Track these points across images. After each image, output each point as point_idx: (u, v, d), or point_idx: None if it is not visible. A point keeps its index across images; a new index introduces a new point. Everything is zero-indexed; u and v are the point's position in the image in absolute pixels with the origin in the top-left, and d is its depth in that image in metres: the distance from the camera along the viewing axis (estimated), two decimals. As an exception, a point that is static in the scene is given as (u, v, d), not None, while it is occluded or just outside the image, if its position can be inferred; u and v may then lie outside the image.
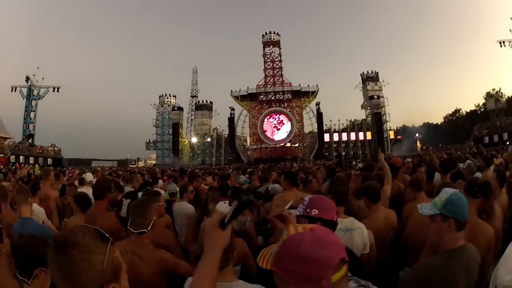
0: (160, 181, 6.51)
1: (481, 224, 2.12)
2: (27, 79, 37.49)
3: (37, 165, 17.92)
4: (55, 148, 39.10)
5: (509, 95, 50.00)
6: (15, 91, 37.25)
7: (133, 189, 4.53)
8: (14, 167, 17.35)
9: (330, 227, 1.40)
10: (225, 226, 0.96)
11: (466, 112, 56.86)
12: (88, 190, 4.49)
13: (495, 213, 2.54)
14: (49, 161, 35.16)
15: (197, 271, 0.96)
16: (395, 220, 2.80)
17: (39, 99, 38.22)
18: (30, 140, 35.85)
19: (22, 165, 24.93)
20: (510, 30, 33.19)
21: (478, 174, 4.44)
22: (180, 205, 3.68)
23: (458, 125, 54.97)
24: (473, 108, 55.20)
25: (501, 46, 34.12)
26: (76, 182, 5.55)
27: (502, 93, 50.18)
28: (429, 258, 1.59)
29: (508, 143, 25.72)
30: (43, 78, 37.97)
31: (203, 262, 0.96)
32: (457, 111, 59.01)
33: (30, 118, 37.92)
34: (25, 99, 37.67)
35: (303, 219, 1.54)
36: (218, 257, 0.96)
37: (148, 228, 1.92)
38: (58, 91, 38.48)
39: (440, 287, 1.40)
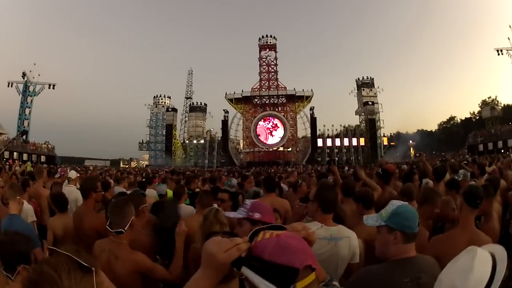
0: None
1: (480, 235, 2.07)
2: (24, 75, 37.33)
3: (28, 163, 17.84)
4: (49, 146, 38.91)
5: (505, 103, 50.19)
6: (11, 86, 37.15)
7: (124, 189, 4.53)
8: (7, 163, 17.25)
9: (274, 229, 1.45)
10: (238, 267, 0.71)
11: (461, 120, 56.96)
12: (72, 188, 4.61)
13: (492, 216, 2.53)
14: (43, 158, 34.86)
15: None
16: None
17: (34, 95, 38.08)
18: (24, 137, 35.63)
19: (16, 161, 24.86)
20: (509, 39, 33.25)
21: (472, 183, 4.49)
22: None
23: (453, 133, 55.05)
24: (468, 116, 55.33)
25: (498, 54, 34.02)
26: (67, 181, 5.49)
27: (498, 101, 50.28)
28: (374, 265, 1.57)
29: (508, 151, 25.62)
30: (39, 75, 37.89)
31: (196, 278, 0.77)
32: (451, 118, 59.15)
33: (25, 115, 37.77)
34: (20, 95, 37.52)
35: (245, 221, 1.61)
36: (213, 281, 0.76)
37: (125, 228, 1.93)
38: (53, 88, 38.42)
39: None
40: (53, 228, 3.05)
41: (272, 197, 3.60)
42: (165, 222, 2.44)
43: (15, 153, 31.23)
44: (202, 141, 45.93)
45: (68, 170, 6.73)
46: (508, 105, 50.02)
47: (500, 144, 31.03)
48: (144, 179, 5.81)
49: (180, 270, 2.10)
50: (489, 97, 51.31)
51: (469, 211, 2.07)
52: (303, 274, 0.67)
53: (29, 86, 37.51)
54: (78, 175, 5.54)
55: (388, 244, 1.44)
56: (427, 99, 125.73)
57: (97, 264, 0.71)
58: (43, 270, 0.66)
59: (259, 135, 43.27)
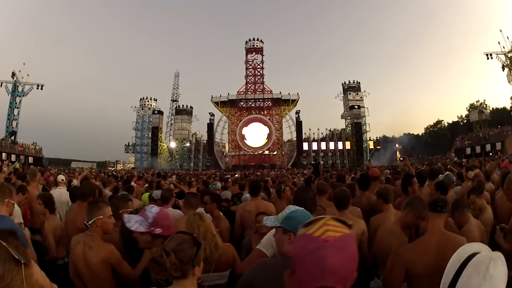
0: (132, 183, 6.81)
1: (451, 237, 2.05)
2: (13, 74, 36.79)
3: (17, 163, 17.61)
4: (36, 147, 38.57)
5: (493, 107, 50.46)
6: (0, 86, 36.53)
7: (110, 193, 4.71)
8: None
9: None
10: None
11: (448, 123, 57.16)
12: (62, 190, 4.75)
13: (468, 222, 2.50)
14: (30, 159, 34.49)
15: None
16: (364, 229, 2.79)
17: (23, 95, 37.54)
18: (12, 138, 35.35)
19: (4, 162, 24.64)
20: (499, 43, 33.41)
21: (458, 188, 4.56)
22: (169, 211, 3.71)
23: (440, 136, 55.24)
24: (456, 119, 55.55)
25: (488, 58, 34.03)
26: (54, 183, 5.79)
27: (486, 105, 50.38)
28: (271, 258, 1.72)
29: (497, 154, 25.72)
30: (28, 75, 37.45)
31: None
32: (438, 122, 59.29)
33: (14, 115, 37.12)
34: (9, 95, 37.00)
35: (146, 235, 1.70)
36: None
37: (89, 223, 2.13)
38: (41, 89, 37.92)
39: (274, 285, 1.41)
40: (53, 230, 3.15)
41: (258, 201, 3.68)
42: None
43: (3, 154, 30.91)
44: (187, 144, 45.75)
45: (55, 174, 6.82)
46: (496, 109, 50.36)
47: (488, 147, 31.11)
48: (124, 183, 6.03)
49: (140, 272, 2.20)
50: (477, 101, 51.50)
51: (433, 216, 2.08)
52: None
53: (18, 86, 37.02)
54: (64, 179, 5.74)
55: (284, 243, 1.56)
56: (414, 103, 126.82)
57: (28, 258, 0.83)
58: None
59: (244, 138, 43.21)
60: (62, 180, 5.39)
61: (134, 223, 1.78)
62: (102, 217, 2.15)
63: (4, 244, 0.79)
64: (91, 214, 2.16)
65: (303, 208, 1.66)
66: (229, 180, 7.88)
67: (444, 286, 0.86)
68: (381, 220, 2.83)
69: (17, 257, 0.77)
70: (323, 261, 0.68)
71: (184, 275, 1.32)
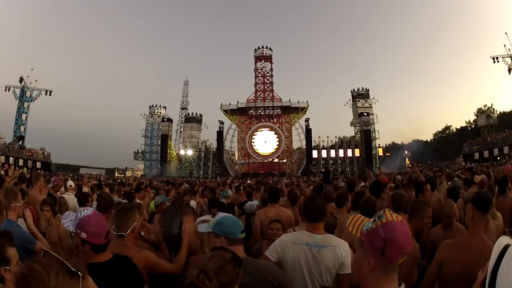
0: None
1: (489, 244, 1.97)
2: (21, 79, 37.11)
3: (24, 168, 17.73)
4: (45, 152, 38.82)
5: (501, 111, 50.16)
6: (8, 90, 36.78)
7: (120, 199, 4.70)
8: (4, 167, 17.14)
9: (97, 250, 1.66)
10: None
11: (457, 129, 56.95)
12: (71, 196, 4.81)
13: (489, 227, 2.48)
14: (38, 164, 34.75)
15: None
16: None
17: (31, 101, 37.79)
18: (20, 142, 35.53)
19: (12, 166, 24.80)
20: (505, 46, 33.18)
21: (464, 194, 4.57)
22: None
23: (448, 142, 55.03)
24: (464, 125, 55.32)
25: (494, 62, 33.76)
26: (62, 189, 5.73)
27: (493, 109, 50.05)
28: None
29: (504, 159, 25.58)
30: (36, 80, 37.64)
31: None
32: (447, 128, 59.11)
33: (22, 120, 37.43)
34: (17, 100, 37.31)
35: (76, 236, 1.68)
36: None
37: (127, 232, 2.05)
38: (50, 95, 38.23)
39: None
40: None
41: (277, 208, 3.71)
42: (170, 228, 2.55)
43: (11, 158, 31.15)
44: (189, 152, 45.84)
45: (63, 179, 6.91)
46: (504, 113, 50.05)
47: (496, 151, 30.90)
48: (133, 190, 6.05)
49: (184, 261, 2.30)
50: (485, 105, 51.20)
51: (479, 216, 2.02)
52: (405, 255, 0.98)
53: (26, 91, 37.24)
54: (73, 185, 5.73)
55: (215, 246, 1.67)
56: (422, 109, 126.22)
57: (85, 270, 0.77)
58: (34, 267, 0.72)
59: (254, 146, 43.22)
60: (71, 186, 5.36)
61: (68, 221, 1.69)
62: (136, 223, 2.12)
63: (54, 254, 0.75)
64: (127, 223, 2.08)
65: (231, 215, 1.85)
66: (241, 188, 7.55)
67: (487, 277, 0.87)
68: None
69: (74, 268, 0.73)
70: (407, 234, 0.99)
71: None
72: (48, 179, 6.25)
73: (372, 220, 1.03)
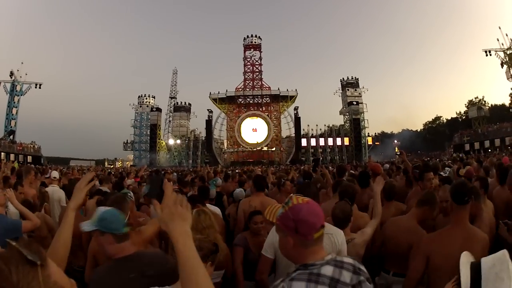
0: (132, 180, 6.79)
1: (475, 231, 2.00)
2: (12, 74, 36.74)
3: (16, 162, 17.56)
4: (35, 146, 38.54)
5: (493, 103, 50.42)
6: None
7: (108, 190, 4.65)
8: None
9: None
10: None
11: (447, 120, 57.19)
12: (55, 188, 4.73)
13: (481, 217, 2.48)
14: (29, 158, 34.45)
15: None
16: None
17: (21, 95, 37.47)
18: (11, 137, 35.30)
19: (3, 161, 24.60)
20: (498, 40, 33.32)
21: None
22: None
23: (438, 132, 55.28)
24: (455, 116, 55.52)
25: (486, 55, 33.98)
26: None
27: (485, 101, 50.35)
28: (100, 266, 1.76)
29: (496, 151, 25.69)
30: (26, 74, 37.31)
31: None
32: (437, 118, 59.37)
33: (12, 114, 37.13)
34: (8, 94, 36.93)
35: None
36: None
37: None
38: (40, 88, 37.85)
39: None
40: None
41: (262, 197, 3.61)
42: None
43: (2, 153, 30.94)
44: (186, 141, 45.69)
45: (50, 171, 6.84)
46: (495, 105, 50.39)
47: (487, 143, 31.27)
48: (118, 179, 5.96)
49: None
50: (476, 97, 51.48)
51: (458, 208, 2.01)
52: (319, 229, 1.11)
53: (16, 85, 36.93)
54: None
55: (106, 245, 1.60)
56: (413, 99, 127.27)
57: (44, 257, 0.70)
58: None
59: (242, 134, 43.15)
60: (55, 177, 5.21)
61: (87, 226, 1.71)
62: (129, 213, 2.10)
63: (14, 244, 0.67)
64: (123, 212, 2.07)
65: (112, 208, 1.71)
66: (235, 176, 7.50)
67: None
68: (385, 217, 2.78)
69: (30, 258, 0.66)
70: (315, 212, 1.13)
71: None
72: (36, 173, 6.21)
73: (282, 206, 1.18)
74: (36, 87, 37.64)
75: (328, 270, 1.05)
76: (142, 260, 1.60)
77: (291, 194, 1.22)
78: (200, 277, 0.84)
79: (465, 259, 0.94)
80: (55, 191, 4.47)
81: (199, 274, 0.84)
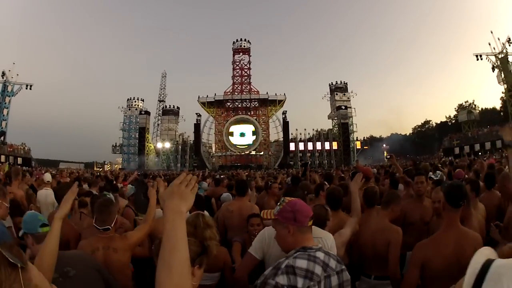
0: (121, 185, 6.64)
1: (468, 232, 1.99)
2: (3, 74, 36.44)
3: (6, 164, 17.44)
4: (25, 148, 38.37)
5: (483, 107, 50.64)
6: None
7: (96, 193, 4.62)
8: None
9: None
10: None
11: (436, 124, 57.39)
12: (49, 191, 4.59)
13: (470, 219, 2.44)
14: (19, 160, 34.41)
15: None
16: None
17: (12, 95, 37.18)
18: (1, 138, 35.07)
19: None
20: (489, 44, 33.29)
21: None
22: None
23: (428, 136, 55.53)
24: (444, 120, 55.75)
25: (477, 59, 33.85)
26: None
27: (475, 105, 50.53)
28: None
29: (486, 154, 25.76)
30: (17, 75, 37.11)
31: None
32: (426, 122, 59.61)
33: (3, 115, 36.78)
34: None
35: None
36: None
37: (112, 225, 2.09)
38: (30, 89, 37.60)
39: None
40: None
41: (241, 201, 3.55)
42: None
43: None
44: (174, 145, 45.65)
45: (43, 173, 6.71)
46: (485, 109, 50.63)
47: (477, 147, 31.27)
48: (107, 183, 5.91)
49: (151, 217, 2.36)
50: (466, 101, 51.69)
51: (452, 210, 1.98)
52: (310, 219, 1.43)
53: (7, 86, 36.61)
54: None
55: (29, 246, 1.70)
56: (402, 103, 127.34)
57: (25, 260, 0.71)
58: None
59: (231, 138, 43.12)
60: (48, 181, 5.11)
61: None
62: (117, 215, 2.18)
63: None
64: (111, 215, 2.08)
65: (33, 211, 1.85)
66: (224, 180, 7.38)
67: None
68: (362, 221, 2.73)
69: (12, 260, 0.66)
70: (305, 205, 1.48)
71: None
72: (23, 174, 6.16)
73: (278, 204, 1.49)
74: (27, 88, 37.42)
75: (321, 255, 1.34)
76: (62, 260, 1.54)
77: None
78: (176, 260, 0.78)
79: (479, 259, 0.78)
80: (48, 194, 4.37)
81: (176, 257, 0.78)
